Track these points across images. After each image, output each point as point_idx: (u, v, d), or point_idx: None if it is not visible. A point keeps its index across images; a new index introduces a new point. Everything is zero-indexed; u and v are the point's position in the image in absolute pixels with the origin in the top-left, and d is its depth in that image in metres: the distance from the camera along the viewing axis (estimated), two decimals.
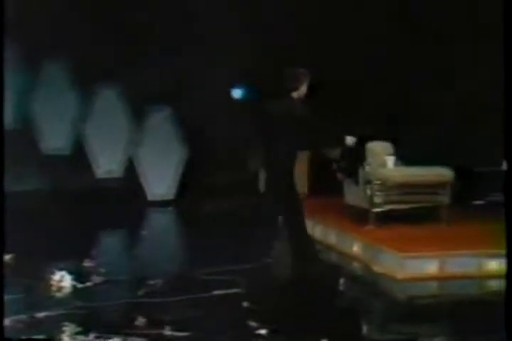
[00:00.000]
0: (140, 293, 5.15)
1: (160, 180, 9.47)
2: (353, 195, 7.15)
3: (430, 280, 5.62)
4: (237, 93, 9.62)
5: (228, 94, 9.51)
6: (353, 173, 7.12)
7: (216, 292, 5.13)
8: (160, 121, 9.61)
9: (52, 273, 5.39)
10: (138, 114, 9.67)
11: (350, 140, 5.79)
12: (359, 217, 6.92)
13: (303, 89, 5.72)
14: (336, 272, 6.15)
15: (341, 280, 5.85)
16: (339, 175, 7.41)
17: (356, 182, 7.06)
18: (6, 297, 4.84)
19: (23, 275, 5.43)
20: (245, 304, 4.88)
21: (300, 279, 6.02)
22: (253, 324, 4.47)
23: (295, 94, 5.69)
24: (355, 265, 6.32)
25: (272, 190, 5.86)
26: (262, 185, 9.28)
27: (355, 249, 6.38)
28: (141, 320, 4.49)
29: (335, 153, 7.58)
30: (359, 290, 5.76)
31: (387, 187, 6.77)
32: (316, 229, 7.24)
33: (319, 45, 9.18)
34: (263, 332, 4.36)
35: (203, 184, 9.28)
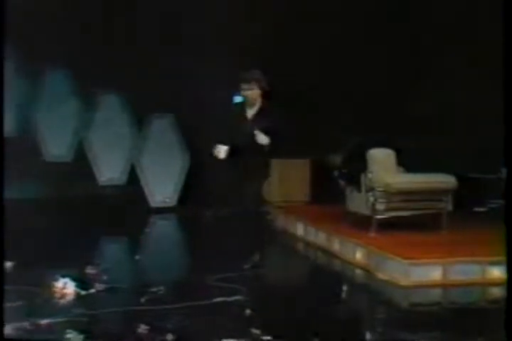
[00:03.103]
0: (142, 300, 5.14)
1: (162, 187, 9.47)
2: (355, 202, 7.15)
3: (434, 287, 5.61)
4: (239, 100, 9.62)
5: (230, 100, 9.51)
6: (355, 180, 7.12)
7: (218, 299, 5.12)
8: (162, 128, 9.63)
9: (56, 280, 5.38)
10: (140, 121, 9.68)
11: (262, 139, 5.72)
12: (362, 223, 6.92)
13: (255, 91, 5.81)
14: (339, 279, 6.14)
15: (344, 287, 5.83)
16: (341, 182, 7.41)
17: (358, 189, 7.06)
18: (9, 304, 4.85)
19: (26, 282, 5.42)
20: (247, 311, 4.87)
21: (303, 286, 6.02)
22: (256, 331, 4.47)
23: (249, 94, 5.80)
24: (359, 272, 6.31)
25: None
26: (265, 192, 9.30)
27: (358, 255, 6.37)
28: (143, 328, 4.48)
29: (336, 160, 7.59)
30: (362, 297, 5.74)
31: (389, 194, 6.76)
32: (318, 237, 7.24)
33: (320, 54, 9.19)
34: (267, 338, 4.36)
35: (204, 191, 9.28)
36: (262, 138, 5.73)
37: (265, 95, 5.92)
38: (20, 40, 9.30)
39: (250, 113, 5.92)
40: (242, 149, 5.79)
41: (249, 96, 5.84)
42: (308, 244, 7.45)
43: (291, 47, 9.18)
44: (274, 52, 9.11)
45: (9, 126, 9.61)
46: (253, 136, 5.74)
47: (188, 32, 9.43)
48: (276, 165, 8.95)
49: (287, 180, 8.83)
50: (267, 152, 5.77)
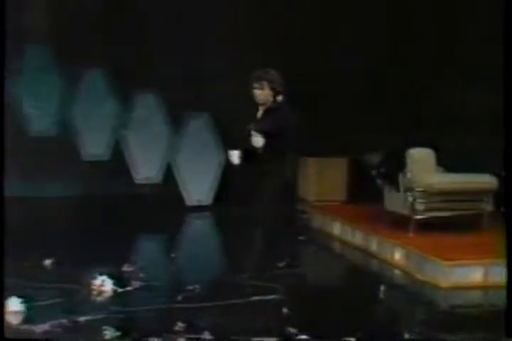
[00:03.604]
0: (179, 298, 5.14)
1: (198, 186, 9.48)
2: (393, 202, 7.06)
3: (474, 289, 5.50)
4: None
5: None
6: (393, 180, 7.03)
7: (254, 298, 5.10)
8: (198, 127, 9.63)
9: (93, 277, 5.42)
10: (176, 120, 9.71)
11: (256, 141, 5.54)
12: (400, 223, 6.83)
13: (266, 92, 5.62)
14: (376, 279, 6.07)
15: (382, 288, 5.76)
16: (379, 182, 7.32)
17: (397, 189, 6.97)
18: (47, 301, 4.89)
19: (64, 280, 5.46)
20: (284, 310, 4.84)
21: (339, 286, 5.96)
22: (292, 330, 4.44)
23: (260, 94, 5.62)
24: (396, 272, 6.23)
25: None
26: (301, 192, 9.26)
27: (397, 256, 6.29)
28: (180, 325, 4.48)
29: (374, 159, 7.50)
30: (400, 298, 5.67)
31: (429, 194, 6.67)
32: (355, 236, 7.17)
33: (351, 53, 9.11)
34: (303, 337, 4.32)
35: (240, 189, 9.25)
36: (256, 140, 5.51)
37: (277, 96, 5.69)
38: (59, 40, 9.43)
39: (259, 114, 5.72)
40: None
41: (260, 97, 5.63)
42: (344, 244, 7.38)
43: (318, 45, 9.12)
44: (304, 51, 9.06)
45: (48, 126, 9.76)
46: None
47: (223, 32, 9.43)
48: (313, 164, 8.95)
49: (324, 179, 8.76)
50: (262, 154, 5.54)
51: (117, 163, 9.67)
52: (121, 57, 9.40)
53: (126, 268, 5.89)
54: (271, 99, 5.64)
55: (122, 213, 8.78)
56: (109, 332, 4.34)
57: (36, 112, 9.67)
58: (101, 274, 5.43)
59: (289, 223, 8.26)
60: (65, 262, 6.08)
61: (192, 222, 9.14)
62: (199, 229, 8.75)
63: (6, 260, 5.94)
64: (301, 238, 7.47)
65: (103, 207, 8.90)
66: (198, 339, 4.31)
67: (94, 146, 9.82)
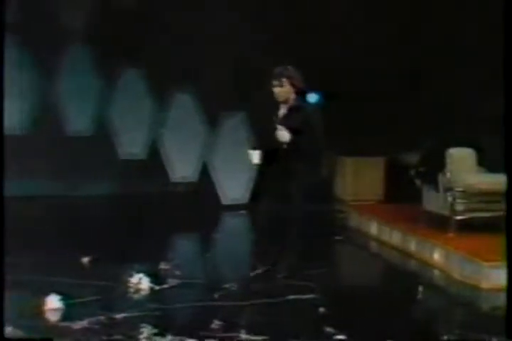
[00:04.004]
0: (215, 296, 5.13)
1: (234, 185, 9.48)
2: (432, 202, 6.96)
3: None
4: (312, 98, 9.55)
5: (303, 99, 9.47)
6: (432, 180, 6.93)
7: (291, 297, 5.06)
8: (234, 126, 9.63)
9: (130, 275, 5.44)
10: (213, 119, 9.72)
11: (282, 136, 5.39)
12: (439, 224, 6.73)
13: (287, 89, 5.48)
14: (415, 279, 5.98)
15: (420, 288, 5.67)
16: (417, 182, 7.23)
17: (436, 189, 6.87)
18: (85, 298, 4.92)
19: (102, 277, 5.49)
20: (321, 310, 4.79)
21: (377, 286, 5.89)
22: (330, 330, 4.39)
23: (280, 91, 5.48)
24: (435, 273, 6.13)
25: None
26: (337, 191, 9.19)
27: (436, 256, 6.19)
28: (217, 323, 4.46)
29: (413, 158, 7.41)
30: (439, 299, 5.58)
31: (469, 194, 6.55)
32: (393, 236, 7.09)
33: (391, 53, 9.02)
34: (341, 337, 4.28)
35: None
36: (283, 135, 5.36)
37: (298, 93, 5.58)
38: (98, 40, 9.52)
39: (281, 111, 5.57)
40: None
41: (280, 94, 5.49)
42: (382, 243, 7.30)
43: (354, 46, 9.05)
44: (340, 51, 9.00)
45: (86, 126, 9.86)
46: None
47: (258, 32, 9.42)
48: (351, 163, 8.89)
49: (361, 179, 8.71)
50: (287, 150, 5.39)
51: (154, 162, 9.72)
52: (158, 57, 9.45)
53: (162, 266, 5.91)
54: (292, 96, 5.52)
55: (159, 211, 8.82)
56: (146, 330, 4.35)
57: (74, 112, 9.78)
58: (138, 272, 5.45)
59: (326, 222, 8.24)
60: (103, 260, 6.12)
61: (227, 221, 9.14)
62: (235, 228, 8.73)
63: (46, 258, 6.03)
64: (337, 238, 7.43)
65: (140, 206, 8.94)
66: (234, 337, 4.28)
67: (131, 145, 9.89)
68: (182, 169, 9.79)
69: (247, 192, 9.51)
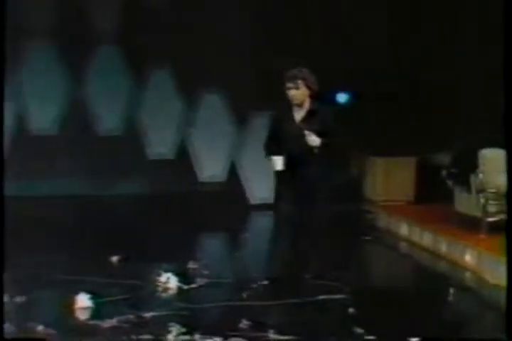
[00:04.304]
0: (244, 295, 5.11)
1: (262, 184, 9.45)
2: (464, 203, 6.87)
3: None
4: (341, 97, 9.50)
5: (333, 98, 9.42)
6: (464, 181, 6.83)
7: (320, 297, 5.02)
8: (262, 126, 9.60)
9: (159, 274, 5.44)
10: (241, 118, 9.71)
11: (313, 141, 5.28)
12: (470, 225, 6.63)
13: (302, 91, 5.34)
14: (446, 280, 5.90)
15: (451, 289, 5.59)
16: (449, 182, 7.13)
17: (468, 190, 6.77)
18: (114, 297, 4.94)
19: (131, 276, 5.51)
20: (350, 310, 4.75)
21: (407, 287, 5.82)
22: (359, 330, 4.34)
23: (295, 94, 5.34)
24: (467, 274, 6.04)
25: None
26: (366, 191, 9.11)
27: (467, 258, 6.10)
28: (245, 323, 4.44)
29: (445, 158, 7.32)
30: (470, 300, 5.49)
31: (501, 195, 6.44)
32: (424, 237, 7.01)
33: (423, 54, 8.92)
34: (370, 338, 4.23)
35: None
36: (313, 140, 5.26)
37: (313, 95, 5.40)
38: (125, 40, 9.58)
39: (298, 115, 5.41)
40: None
41: (296, 97, 5.36)
42: (412, 244, 7.22)
43: (386, 47, 8.97)
44: (373, 52, 8.93)
45: (115, 125, 9.91)
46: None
47: (286, 33, 9.39)
48: (381, 163, 8.82)
49: (391, 179, 8.62)
50: (318, 153, 5.31)
51: (182, 161, 9.74)
52: (187, 57, 9.47)
53: (191, 265, 5.91)
54: (307, 99, 5.39)
55: (187, 211, 8.84)
56: (174, 329, 4.34)
57: (104, 112, 9.84)
58: (166, 271, 5.45)
59: (355, 223, 8.18)
60: (132, 259, 6.14)
61: (255, 220, 9.12)
62: (263, 227, 8.68)
63: (76, 257, 6.07)
64: (367, 238, 7.36)
65: (168, 205, 8.97)
66: (262, 337, 4.26)
67: (160, 145, 9.93)
68: (210, 168, 9.80)
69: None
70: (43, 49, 9.64)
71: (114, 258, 6.19)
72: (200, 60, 9.41)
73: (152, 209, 8.91)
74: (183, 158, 9.77)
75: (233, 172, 9.64)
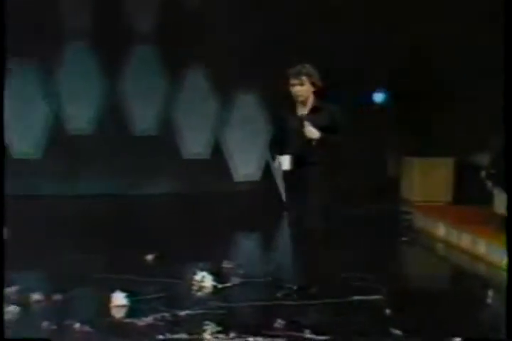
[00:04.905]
0: (278, 295, 5.07)
1: None
2: (503, 204, 6.71)
3: None
4: (378, 97, 9.44)
5: (370, 98, 9.37)
6: (504, 181, 6.69)
7: (356, 297, 4.96)
8: None
9: (194, 273, 5.44)
10: (274, 119, 9.69)
11: (312, 133, 5.04)
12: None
13: (306, 88, 5.12)
14: (484, 282, 5.79)
15: (490, 291, 5.48)
16: (488, 183, 7.00)
17: (508, 191, 6.62)
18: (150, 295, 4.95)
19: (166, 275, 5.51)
20: (387, 311, 4.68)
21: (445, 288, 5.72)
22: (397, 332, 4.28)
23: (300, 90, 5.11)
24: (505, 276, 5.90)
25: None
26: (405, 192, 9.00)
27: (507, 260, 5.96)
28: (280, 322, 4.40)
29: (484, 159, 7.19)
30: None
31: None
32: (462, 238, 6.89)
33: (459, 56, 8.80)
34: (408, 339, 4.17)
35: (343, 189, 9.13)
36: (312, 132, 5.04)
37: (317, 93, 5.18)
38: (161, 41, 9.62)
39: (301, 112, 5.16)
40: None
41: (300, 93, 5.13)
42: (449, 245, 7.10)
43: (433, 45, 8.87)
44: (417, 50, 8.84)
45: (150, 125, 9.97)
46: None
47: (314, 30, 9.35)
48: (419, 164, 8.71)
49: (429, 179, 8.52)
50: (315, 147, 5.03)
51: (217, 161, 9.75)
52: (222, 57, 9.48)
53: (225, 264, 5.89)
54: (312, 96, 5.18)
55: (221, 210, 8.83)
56: (209, 327, 4.33)
57: (140, 112, 9.91)
58: (201, 270, 5.45)
59: (392, 223, 8.08)
60: (167, 258, 6.15)
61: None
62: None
63: (111, 256, 6.10)
64: (403, 239, 7.27)
65: (203, 204, 8.98)
66: (298, 337, 4.21)
67: (194, 145, 9.96)
68: (245, 168, 9.80)
69: None
70: (80, 50, 9.74)
71: (149, 257, 6.21)
72: (235, 61, 9.42)
73: (187, 208, 8.94)
74: (217, 157, 9.78)
75: (268, 171, 9.61)
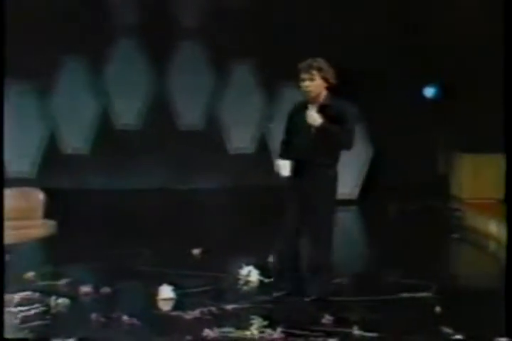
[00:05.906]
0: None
1: (344, 180, 9.29)
2: None
3: None
4: (429, 92, 9.28)
5: (419, 93, 9.24)
6: None
7: (405, 294, 4.88)
8: None
9: (240, 267, 5.43)
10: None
11: (313, 119, 4.66)
12: None
13: (318, 83, 4.71)
14: None
15: None
16: None
17: None
18: (195, 289, 4.96)
19: (212, 268, 5.52)
20: (437, 309, 4.59)
21: (495, 286, 5.59)
22: (447, 330, 4.19)
23: (310, 85, 4.72)
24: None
25: None
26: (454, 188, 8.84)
27: None
28: (328, 318, 4.36)
29: None
30: None
31: None
32: None
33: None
34: (458, 338, 4.08)
35: (387, 184, 9.03)
36: (314, 118, 4.61)
37: (330, 89, 4.77)
38: (207, 37, 9.65)
39: (311, 112, 4.68)
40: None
41: (310, 88, 4.71)
42: (501, 243, 6.94)
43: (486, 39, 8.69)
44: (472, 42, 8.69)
45: (196, 121, 10.01)
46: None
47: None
48: (469, 160, 8.54)
49: (479, 176, 8.35)
50: (313, 137, 4.65)
51: (262, 155, 9.73)
52: (267, 52, 9.45)
53: (271, 259, 5.86)
54: (324, 92, 4.76)
55: (267, 204, 8.79)
56: (256, 321, 4.31)
57: (186, 107, 9.95)
58: (247, 264, 5.43)
59: (442, 220, 7.94)
60: (214, 252, 6.16)
61: (337, 216, 8.97)
62: (344, 223, 8.56)
63: (159, 250, 6.14)
64: (454, 236, 7.15)
65: (249, 199, 8.97)
66: (346, 333, 4.17)
67: (239, 140, 9.95)
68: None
69: (358, 187, 9.36)
70: (127, 46, 9.83)
71: (196, 251, 6.23)
72: (281, 56, 9.37)
73: (233, 202, 8.94)
74: (263, 152, 9.76)
75: None
